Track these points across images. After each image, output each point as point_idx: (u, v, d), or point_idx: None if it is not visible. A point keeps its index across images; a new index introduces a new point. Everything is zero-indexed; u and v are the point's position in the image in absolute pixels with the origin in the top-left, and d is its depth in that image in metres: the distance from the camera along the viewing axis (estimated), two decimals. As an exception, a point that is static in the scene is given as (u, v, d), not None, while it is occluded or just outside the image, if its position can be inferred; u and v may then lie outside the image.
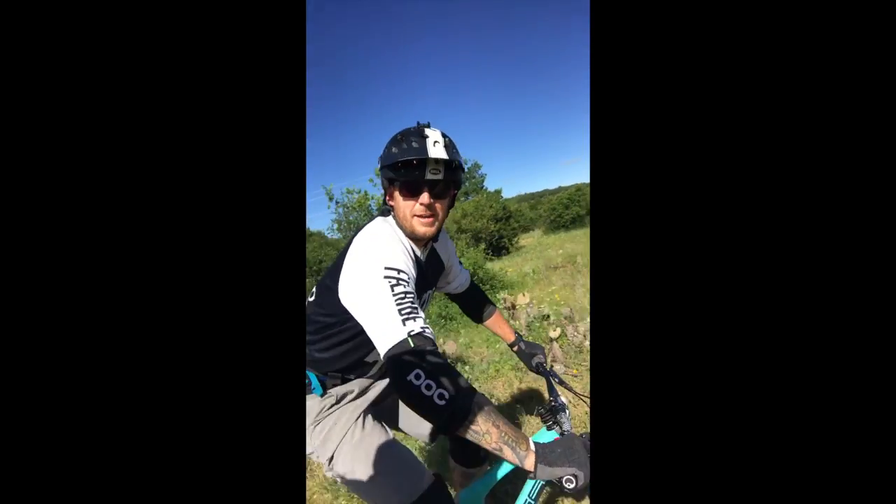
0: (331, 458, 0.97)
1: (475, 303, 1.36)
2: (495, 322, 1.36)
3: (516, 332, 1.36)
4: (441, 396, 0.67)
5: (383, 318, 0.75)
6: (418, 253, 1.00)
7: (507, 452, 0.67)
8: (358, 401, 1.05)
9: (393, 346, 0.73)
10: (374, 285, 0.78)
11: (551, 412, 1.08)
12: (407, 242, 0.95)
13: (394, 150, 0.88)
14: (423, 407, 0.69)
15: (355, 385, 1.05)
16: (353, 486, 0.96)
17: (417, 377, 0.68)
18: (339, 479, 0.98)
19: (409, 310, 0.76)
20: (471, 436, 0.69)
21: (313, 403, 0.99)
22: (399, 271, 0.80)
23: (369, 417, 1.03)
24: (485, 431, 0.68)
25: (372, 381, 1.09)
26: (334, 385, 1.02)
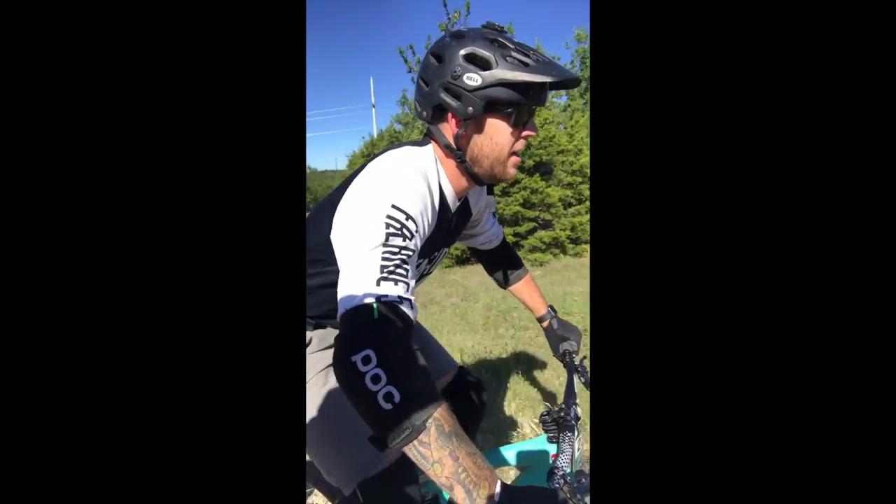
0: None
1: (503, 263, 1.11)
2: (524, 288, 1.12)
3: (549, 306, 1.10)
4: (388, 397, 0.48)
5: (357, 268, 0.57)
6: (451, 203, 0.78)
7: (459, 493, 0.48)
8: (319, 354, 0.81)
9: (351, 309, 0.54)
10: (368, 223, 0.59)
11: (557, 424, 0.79)
12: (440, 187, 0.73)
13: (519, 59, 0.64)
14: (360, 403, 0.51)
15: (317, 335, 0.83)
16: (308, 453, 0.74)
17: (366, 361, 0.50)
18: None
19: (393, 268, 0.57)
20: (415, 459, 0.50)
21: None
22: (408, 217, 0.60)
23: (330, 374, 0.79)
24: (435, 460, 0.49)
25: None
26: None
